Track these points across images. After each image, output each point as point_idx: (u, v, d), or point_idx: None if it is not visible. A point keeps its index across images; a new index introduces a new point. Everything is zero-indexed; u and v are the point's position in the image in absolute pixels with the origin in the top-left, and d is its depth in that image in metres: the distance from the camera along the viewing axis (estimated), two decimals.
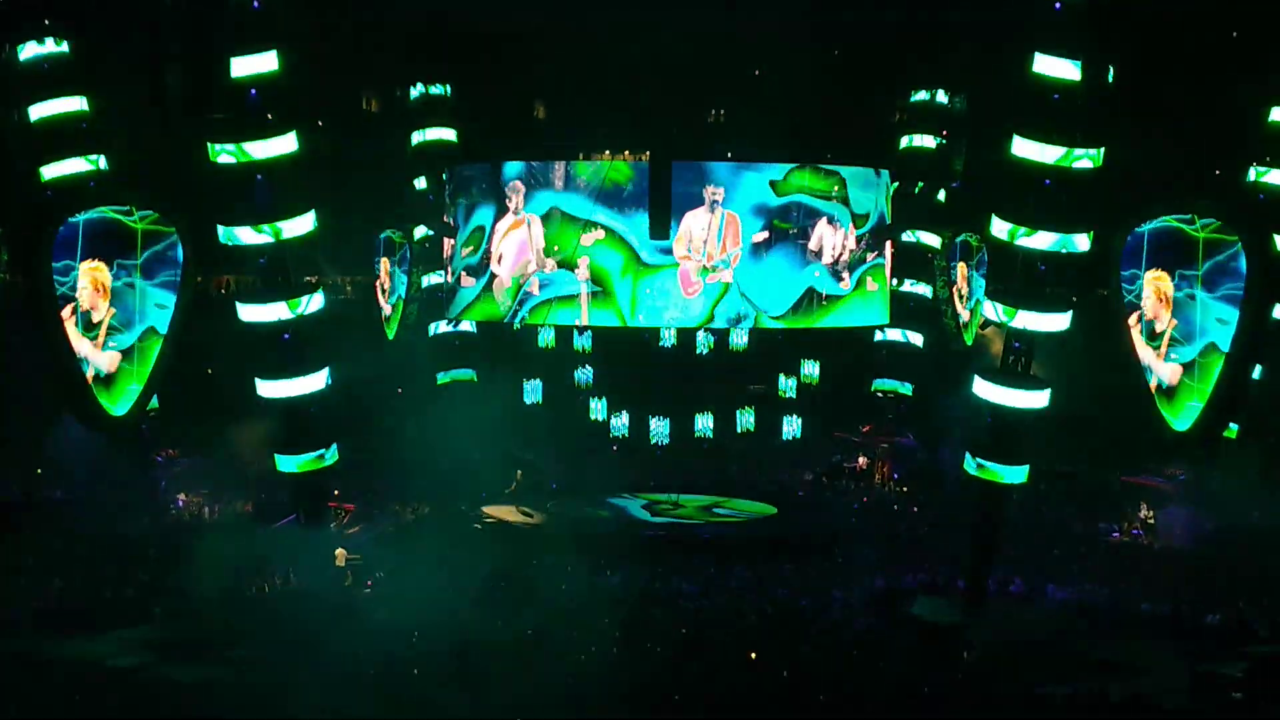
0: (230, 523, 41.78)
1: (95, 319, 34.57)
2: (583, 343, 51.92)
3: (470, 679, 26.71)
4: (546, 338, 51.77)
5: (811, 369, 52.93)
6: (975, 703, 26.85)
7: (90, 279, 34.23)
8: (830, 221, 49.77)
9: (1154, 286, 32.87)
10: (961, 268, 49.58)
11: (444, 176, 50.07)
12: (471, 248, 50.36)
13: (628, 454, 52.41)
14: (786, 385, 53.07)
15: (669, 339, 51.04)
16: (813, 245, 49.86)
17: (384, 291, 48.32)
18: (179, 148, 39.71)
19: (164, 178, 40.26)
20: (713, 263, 49.62)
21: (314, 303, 34.39)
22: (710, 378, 53.12)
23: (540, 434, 51.09)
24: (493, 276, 50.14)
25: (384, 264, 48.02)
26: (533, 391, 52.30)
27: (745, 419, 53.18)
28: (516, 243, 50.00)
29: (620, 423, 52.40)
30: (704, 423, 52.57)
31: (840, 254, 50.00)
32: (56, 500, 42.46)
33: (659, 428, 52.20)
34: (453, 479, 47.44)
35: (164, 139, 46.43)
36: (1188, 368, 33.31)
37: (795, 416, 53.12)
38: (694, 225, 49.52)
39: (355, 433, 43.85)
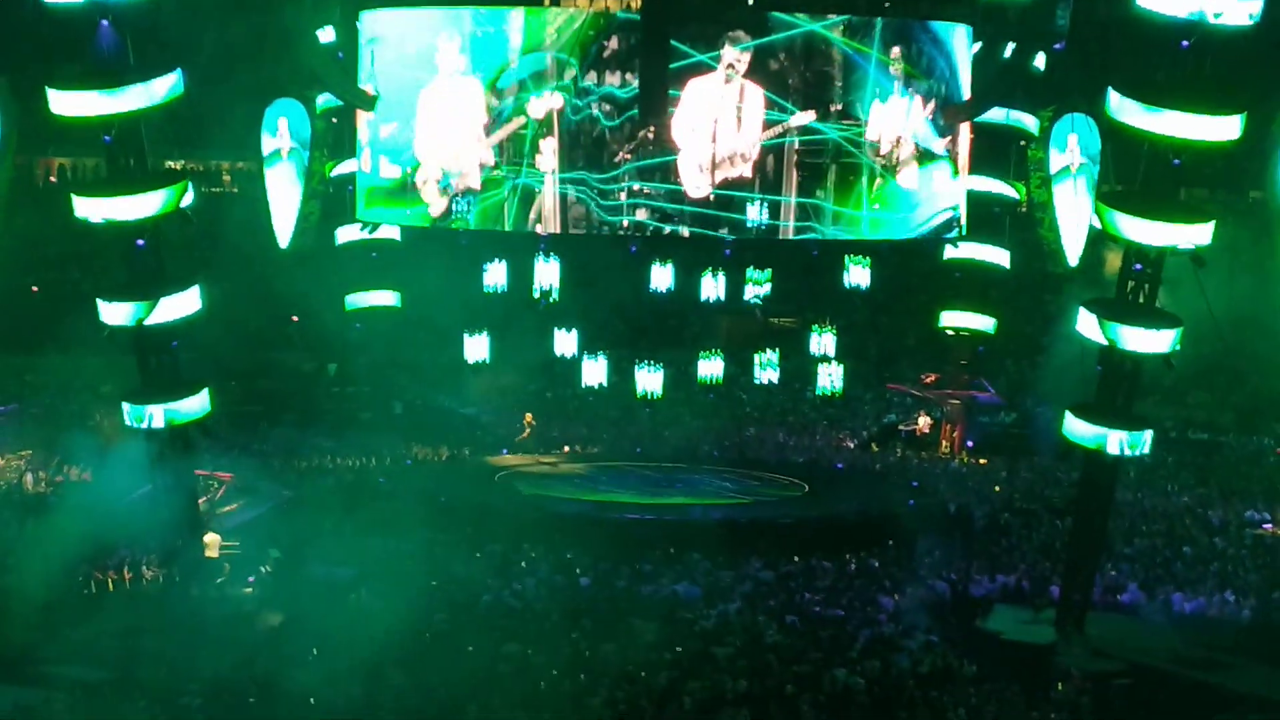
0: (62, 495, 41.63)
1: None
2: (547, 278, 50.89)
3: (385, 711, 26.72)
4: (496, 277, 50.80)
5: (862, 271, 51.64)
6: None
7: None
8: (888, 98, 49.24)
9: None
10: (1067, 160, 49.33)
11: (358, 25, 49.52)
12: (396, 124, 49.85)
13: (607, 410, 52.51)
14: (823, 333, 52.51)
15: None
16: (870, 134, 49.19)
17: (276, 185, 48.00)
18: None
19: None
20: (728, 152, 49.24)
21: (178, 198, 34.02)
22: (720, 309, 52.86)
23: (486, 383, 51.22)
24: (418, 165, 49.58)
25: (278, 145, 47.68)
26: (476, 332, 51.71)
27: (767, 364, 53.04)
28: (449, 118, 49.25)
29: (596, 369, 52.17)
30: (711, 369, 52.30)
31: (902, 141, 49.48)
32: None
33: (649, 375, 51.97)
34: (369, 440, 47.52)
35: None
36: None
37: (835, 362, 52.75)
38: (702, 99, 48.97)
39: (236, 376, 43.80)
